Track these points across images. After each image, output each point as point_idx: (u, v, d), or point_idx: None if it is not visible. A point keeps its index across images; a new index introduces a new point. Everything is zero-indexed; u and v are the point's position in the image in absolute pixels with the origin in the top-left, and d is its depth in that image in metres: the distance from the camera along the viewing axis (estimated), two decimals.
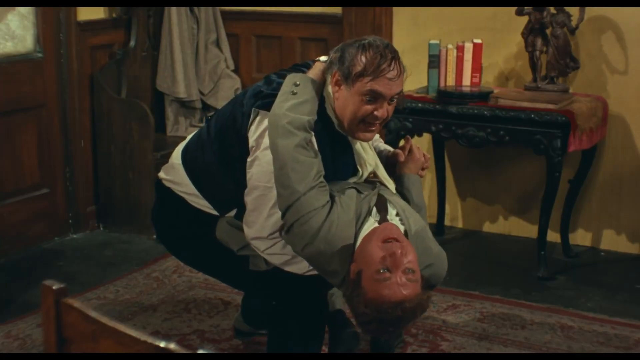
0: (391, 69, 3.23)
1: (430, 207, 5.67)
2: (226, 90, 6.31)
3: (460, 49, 5.32)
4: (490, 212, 5.94)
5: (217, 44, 6.38)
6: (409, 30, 5.88)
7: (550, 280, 5.17)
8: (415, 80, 5.52)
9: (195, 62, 6.29)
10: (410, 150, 3.65)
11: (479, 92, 5.22)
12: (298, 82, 3.27)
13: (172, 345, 1.80)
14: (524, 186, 5.79)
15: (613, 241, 5.61)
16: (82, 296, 4.87)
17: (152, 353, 1.82)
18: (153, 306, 4.79)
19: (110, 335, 1.88)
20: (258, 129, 3.30)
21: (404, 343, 4.31)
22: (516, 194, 5.84)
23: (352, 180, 3.43)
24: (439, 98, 5.23)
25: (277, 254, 3.37)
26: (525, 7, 5.22)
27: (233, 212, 3.53)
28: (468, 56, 5.30)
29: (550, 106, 4.99)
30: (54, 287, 1.97)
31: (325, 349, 3.99)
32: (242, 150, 3.35)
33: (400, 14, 5.88)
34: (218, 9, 6.37)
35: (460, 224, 6.05)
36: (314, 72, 3.37)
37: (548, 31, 5.26)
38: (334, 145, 3.36)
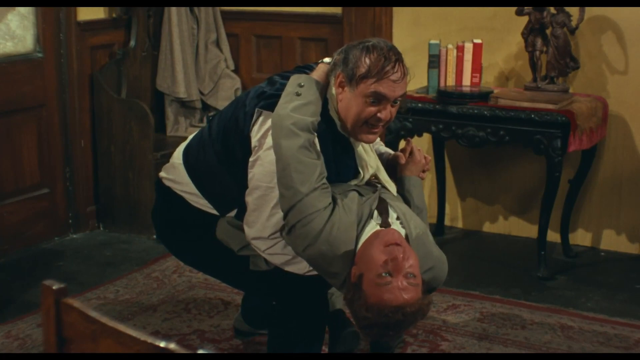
0: (395, 71, 3.24)
1: (430, 207, 5.67)
2: (226, 90, 6.31)
3: (460, 49, 5.32)
4: (490, 212, 5.94)
5: (217, 44, 6.38)
6: (409, 30, 5.88)
7: (550, 280, 5.17)
8: (415, 80, 5.48)
9: (195, 62, 6.29)
10: (411, 153, 3.65)
11: (479, 92, 5.23)
12: (302, 83, 3.27)
13: (172, 345, 1.80)
14: (524, 186, 5.79)
15: (613, 241, 5.62)
16: (82, 296, 4.87)
17: (152, 353, 1.82)
18: (153, 306, 4.79)
19: (110, 335, 1.88)
20: (261, 129, 3.31)
21: (404, 343, 4.31)
22: (516, 194, 5.84)
23: (354, 182, 3.43)
24: (439, 98, 5.23)
25: (277, 254, 3.37)
26: (525, 7, 5.22)
27: (233, 212, 3.53)
28: (468, 56, 5.30)
29: (550, 106, 4.99)
30: (54, 287, 1.97)
31: (325, 349, 4.00)
32: (245, 150, 3.35)
33: (400, 14, 5.88)
34: (218, 9, 6.37)
35: (460, 224, 6.05)
36: (318, 73, 3.37)
37: (548, 31, 5.26)
38: (336, 147, 3.36)
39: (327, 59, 3.46)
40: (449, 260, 3.43)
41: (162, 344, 1.80)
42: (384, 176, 3.54)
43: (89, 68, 5.89)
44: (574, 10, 5.21)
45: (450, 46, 5.34)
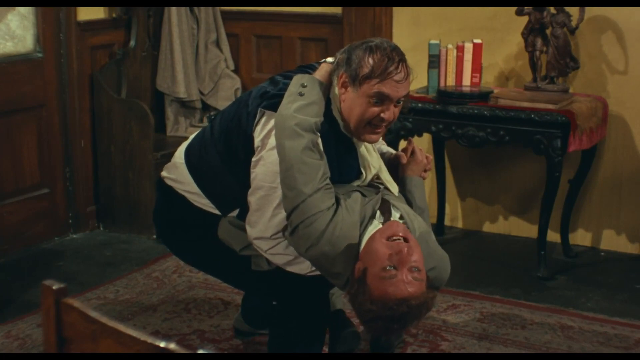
0: (398, 71, 3.24)
1: (431, 207, 5.63)
2: (226, 90, 6.31)
3: (460, 49, 5.32)
4: (490, 212, 5.94)
5: (217, 44, 6.38)
6: (409, 30, 5.88)
7: (550, 280, 5.17)
8: (415, 80, 5.50)
9: (195, 62, 6.29)
10: (413, 152, 3.65)
11: (479, 92, 5.23)
12: (305, 84, 3.27)
13: (172, 345, 1.80)
14: (524, 186, 5.79)
15: (613, 241, 5.62)
16: (82, 296, 4.87)
17: (152, 353, 1.82)
18: (153, 306, 4.79)
19: (110, 335, 1.88)
20: (264, 129, 3.30)
21: (404, 343, 4.31)
22: (516, 194, 5.84)
23: (356, 183, 3.43)
24: (439, 98, 5.23)
25: (279, 254, 3.37)
26: (525, 7, 5.22)
27: (235, 212, 3.53)
28: (468, 56, 5.31)
29: (550, 106, 4.99)
30: (54, 287, 1.97)
31: (325, 349, 4.00)
32: (247, 150, 3.35)
33: (400, 14, 5.88)
34: (218, 9, 6.37)
35: (460, 224, 6.05)
36: (321, 73, 3.37)
37: (548, 31, 5.26)
38: (339, 147, 3.37)
39: (330, 59, 3.46)
40: (449, 260, 3.43)
41: (162, 344, 1.81)
42: (386, 176, 3.53)
43: (89, 68, 5.89)
44: (574, 11, 5.21)
45: (450, 46, 5.34)
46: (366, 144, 3.47)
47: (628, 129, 5.45)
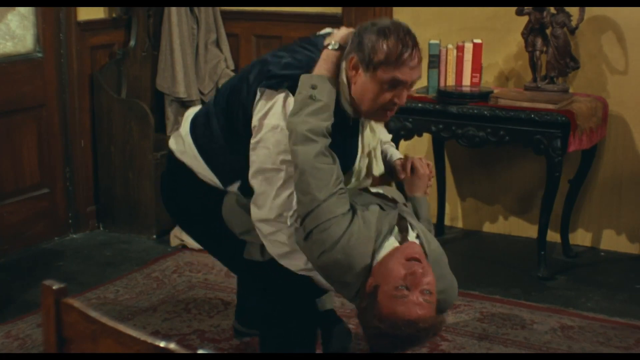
0: (413, 57, 3.20)
1: (431, 207, 5.64)
2: None
3: (460, 49, 5.32)
4: (490, 212, 5.94)
5: (217, 44, 6.38)
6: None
7: (550, 280, 5.17)
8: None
9: (195, 62, 6.28)
10: (414, 168, 3.64)
11: (479, 92, 5.23)
12: (315, 85, 3.23)
13: (172, 345, 1.80)
14: (524, 186, 5.79)
15: (613, 241, 5.62)
16: (82, 296, 4.87)
17: (152, 353, 1.82)
18: (153, 306, 4.79)
19: (110, 335, 1.88)
20: (263, 109, 3.27)
21: None
22: (516, 194, 5.84)
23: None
24: (439, 98, 5.24)
25: (278, 241, 3.33)
26: (525, 7, 5.22)
27: (237, 185, 3.49)
28: (468, 56, 5.31)
29: (550, 106, 4.99)
30: (53, 287, 1.97)
31: (321, 351, 4.00)
32: (247, 126, 3.32)
33: (400, 13, 5.88)
34: (218, 9, 6.36)
35: (460, 224, 6.05)
36: (327, 66, 3.32)
37: (548, 31, 5.26)
38: (344, 132, 3.36)
39: (326, 30, 3.45)
40: (449, 260, 3.43)
41: (162, 344, 1.81)
42: (390, 192, 3.54)
43: (89, 68, 5.89)
44: (574, 10, 5.22)
45: (450, 46, 5.34)
46: (371, 123, 3.48)
47: (628, 129, 5.45)
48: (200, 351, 1.78)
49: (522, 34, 5.33)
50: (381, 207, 3.29)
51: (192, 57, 6.24)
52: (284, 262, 3.38)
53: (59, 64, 5.73)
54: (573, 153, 5.20)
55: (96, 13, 5.92)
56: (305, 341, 3.61)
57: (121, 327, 1.87)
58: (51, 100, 5.72)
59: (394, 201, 3.43)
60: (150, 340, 1.82)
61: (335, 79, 3.31)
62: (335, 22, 6.01)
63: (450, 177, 5.97)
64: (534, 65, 5.32)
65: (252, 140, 3.30)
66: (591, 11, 5.32)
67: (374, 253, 3.16)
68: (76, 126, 5.86)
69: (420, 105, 5.26)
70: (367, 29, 3.24)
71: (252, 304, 4.11)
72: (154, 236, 5.79)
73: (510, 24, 5.50)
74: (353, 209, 3.20)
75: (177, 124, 6.24)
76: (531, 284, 5.11)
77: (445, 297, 3.26)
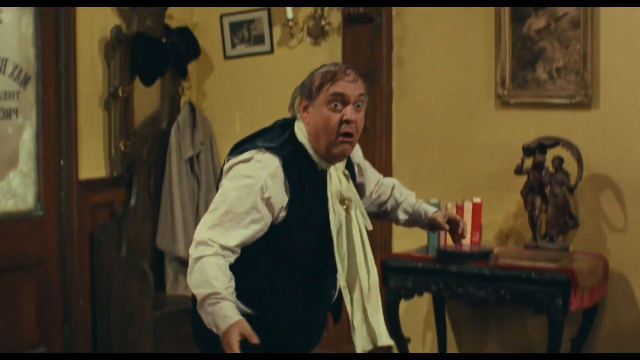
0: (347, 74, 3.32)
1: None
2: None
3: (459, 208, 5.34)
4: None
5: None
6: (409, 189, 5.89)
7: None
8: (415, 239, 5.54)
9: (195, 221, 6.30)
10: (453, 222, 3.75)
11: (479, 251, 5.23)
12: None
13: None
14: (526, 345, 5.73)
15: None
16: None
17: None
18: None
19: None
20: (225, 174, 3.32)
21: None
22: (519, 353, 5.78)
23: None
24: (439, 257, 5.23)
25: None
26: (524, 167, 5.27)
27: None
28: (468, 215, 5.33)
29: (551, 265, 4.98)
30: None
31: None
32: None
33: (400, 172, 5.91)
34: (218, 167, 6.41)
35: None
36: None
37: (547, 190, 5.29)
38: (316, 186, 3.35)
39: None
40: None
41: None
42: (361, 210, 3.49)
43: (90, 226, 5.91)
44: (572, 169, 5.26)
45: (449, 205, 5.36)
46: (336, 177, 3.42)
47: (629, 286, 5.43)
48: None
49: (521, 192, 5.36)
50: None
51: (193, 216, 6.27)
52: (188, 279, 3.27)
53: (60, 222, 5.75)
54: (575, 311, 5.16)
55: (97, 172, 5.96)
56: None
57: None
58: (51, 258, 5.72)
59: None
60: None
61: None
62: None
63: (452, 336, 5.92)
64: (533, 223, 5.34)
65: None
66: (589, 169, 5.36)
67: None
68: (76, 284, 5.84)
69: (420, 264, 5.25)
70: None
71: None
72: None
73: (509, 183, 5.53)
74: None
75: (177, 282, 6.24)
76: None
77: None
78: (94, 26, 5.91)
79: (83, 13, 5.81)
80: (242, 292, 3.29)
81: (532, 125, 5.50)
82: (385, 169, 5.95)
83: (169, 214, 6.16)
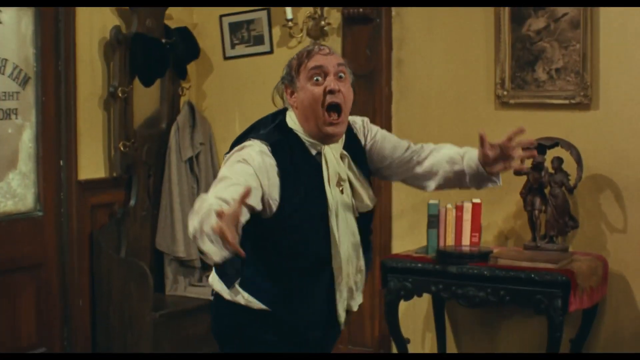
0: (321, 49, 3.37)
1: None
2: None
3: (459, 209, 5.34)
4: None
5: None
6: (409, 190, 5.82)
7: None
8: (414, 240, 5.54)
9: None
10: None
11: (478, 252, 5.23)
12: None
13: None
14: (525, 346, 5.73)
15: None
16: None
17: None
18: None
19: None
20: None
21: None
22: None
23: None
24: (438, 258, 5.23)
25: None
26: (524, 167, 5.27)
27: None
28: (467, 216, 5.32)
29: (550, 266, 4.98)
30: None
31: None
32: None
33: None
34: (218, 168, 6.41)
35: None
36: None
37: (546, 191, 5.30)
38: (310, 172, 3.34)
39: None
40: None
41: None
42: (359, 189, 3.45)
43: (89, 227, 5.90)
44: (572, 170, 5.26)
45: (449, 206, 5.36)
46: (332, 157, 3.39)
47: (629, 287, 5.42)
48: None
49: (521, 193, 5.36)
50: None
51: None
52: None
53: (59, 223, 5.75)
54: (574, 312, 5.16)
55: (97, 172, 5.96)
56: None
57: None
58: (50, 259, 5.72)
59: None
60: None
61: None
62: None
63: (451, 337, 5.91)
64: (533, 224, 5.34)
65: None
66: (589, 170, 5.36)
67: None
68: (75, 285, 5.84)
69: (419, 265, 5.25)
70: None
71: None
72: None
73: (508, 184, 5.50)
74: None
75: (177, 283, 6.23)
76: None
77: None
78: (94, 27, 5.92)
79: (82, 13, 5.82)
80: (255, 289, 3.37)
81: (532, 125, 5.47)
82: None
83: (168, 214, 6.16)
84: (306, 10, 6.17)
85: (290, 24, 6.16)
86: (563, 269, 4.98)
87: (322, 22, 6.14)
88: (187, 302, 5.98)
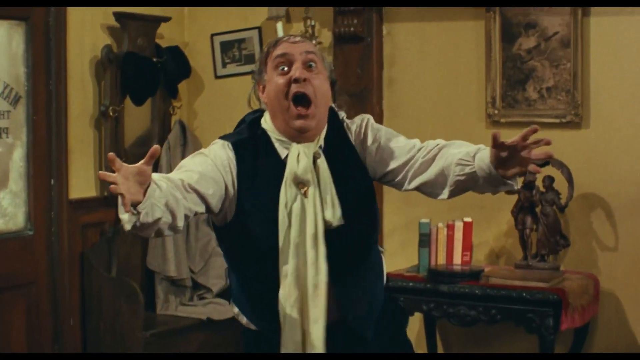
0: (290, 37, 3.22)
1: None
2: (217, 268, 6.28)
3: (450, 228, 5.34)
4: None
5: (208, 222, 6.40)
6: (400, 209, 5.90)
7: None
8: (405, 259, 5.54)
9: (186, 240, 6.29)
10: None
11: (469, 270, 5.23)
12: None
13: None
14: None
15: None
16: None
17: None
18: None
19: None
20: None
21: None
22: None
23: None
24: (429, 277, 5.23)
25: None
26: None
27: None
28: (458, 235, 5.33)
29: (542, 284, 4.99)
30: None
31: None
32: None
33: (391, 191, 5.88)
34: None
35: None
36: None
37: (538, 209, 5.30)
38: (272, 172, 3.15)
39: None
40: None
41: None
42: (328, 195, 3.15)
43: (80, 246, 5.89)
44: (563, 188, 5.27)
45: (440, 225, 5.36)
46: (295, 156, 3.14)
47: (620, 305, 5.43)
48: None
49: (512, 212, 5.37)
50: None
51: (184, 236, 6.26)
52: None
53: (50, 242, 5.74)
54: (566, 331, 5.16)
55: (88, 191, 5.95)
56: None
57: None
58: (41, 278, 5.70)
59: None
60: None
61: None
62: None
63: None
64: (524, 243, 5.35)
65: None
66: (580, 189, 5.37)
67: None
68: (66, 304, 5.82)
69: (411, 284, 5.25)
70: None
71: None
72: None
73: (499, 202, 5.52)
74: None
75: (167, 302, 6.22)
76: None
77: None
78: (85, 45, 5.92)
79: (73, 32, 5.82)
80: (244, 305, 3.26)
81: None
82: (376, 188, 5.91)
83: None
84: (297, 29, 6.18)
85: None
86: (554, 287, 4.98)
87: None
88: (178, 322, 5.95)
